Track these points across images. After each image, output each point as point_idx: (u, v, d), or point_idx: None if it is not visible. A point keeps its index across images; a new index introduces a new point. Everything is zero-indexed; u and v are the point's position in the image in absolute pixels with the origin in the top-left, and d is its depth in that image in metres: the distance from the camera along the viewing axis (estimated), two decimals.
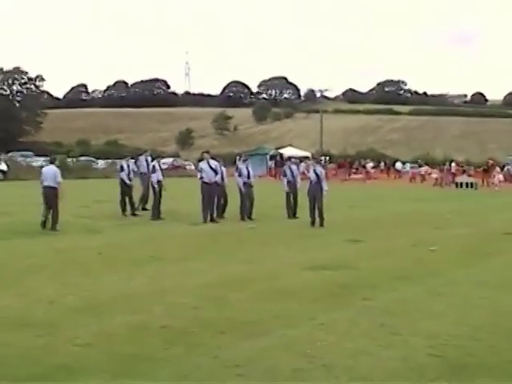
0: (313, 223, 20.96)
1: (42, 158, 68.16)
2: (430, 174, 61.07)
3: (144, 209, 24.93)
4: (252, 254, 14.83)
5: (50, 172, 19.46)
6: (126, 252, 15.04)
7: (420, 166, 64.99)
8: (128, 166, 24.32)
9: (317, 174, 21.18)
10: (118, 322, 8.59)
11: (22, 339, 7.74)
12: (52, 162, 20.31)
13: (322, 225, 20.80)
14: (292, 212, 23.43)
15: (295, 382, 6.53)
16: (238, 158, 24.94)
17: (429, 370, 6.89)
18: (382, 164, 74.40)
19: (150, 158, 25.96)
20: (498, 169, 55.48)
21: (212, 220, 21.63)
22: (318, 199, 20.91)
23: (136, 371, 6.74)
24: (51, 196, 19.08)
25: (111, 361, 7.04)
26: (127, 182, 23.68)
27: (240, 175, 22.87)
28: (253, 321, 8.72)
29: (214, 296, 10.21)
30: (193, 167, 71.31)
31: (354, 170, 69.61)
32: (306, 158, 50.71)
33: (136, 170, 25.17)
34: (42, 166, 21.11)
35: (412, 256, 15.08)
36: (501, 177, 53.77)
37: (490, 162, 57.59)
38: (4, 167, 52.67)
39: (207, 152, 23.29)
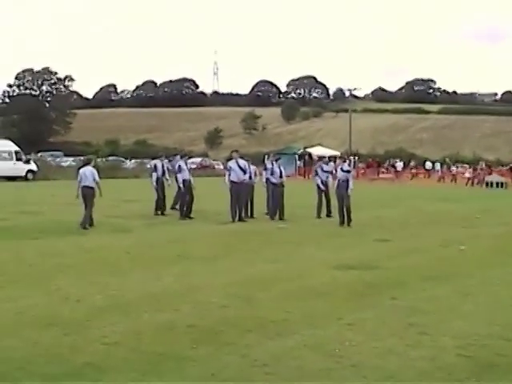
0: (342, 223, 20.88)
1: (71, 158, 68.64)
2: (462, 173, 60.14)
3: (173, 208, 25.00)
4: (280, 254, 14.79)
5: (88, 172, 20.01)
6: (154, 251, 15.06)
7: (450, 166, 64.03)
8: (162, 166, 24.35)
9: (344, 172, 21.11)
10: (145, 320, 8.60)
11: (49, 337, 7.77)
12: (88, 163, 20.76)
13: (349, 224, 20.72)
14: (327, 211, 23.40)
15: (323, 381, 6.49)
16: (266, 157, 24.79)
17: (458, 369, 6.82)
18: (412, 163, 73.71)
19: (186, 158, 26.10)
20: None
21: (240, 219, 21.62)
22: (345, 198, 20.83)
23: (163, 370, 6.73)
24: (89, 195, 19.74)
25: (139, 359, 7.04)
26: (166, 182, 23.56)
27: (272, 174, 22.80)
28: (281, 320, 8.69)
29: (242, 295, 10.19)
30: (221, 167, 71.46)
31: (383, 170, 69.14)
32: (335, 157, 50.44)
33: (171, 168, 25.12)
34: (79, 168, 21.45)
35: (441, 255, 14.98)
36: None
37: None
38: (34, 167, 53.05)
39: (236, 151, 23.29)
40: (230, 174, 21.98)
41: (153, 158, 25.67)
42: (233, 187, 21.80)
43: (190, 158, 24.65)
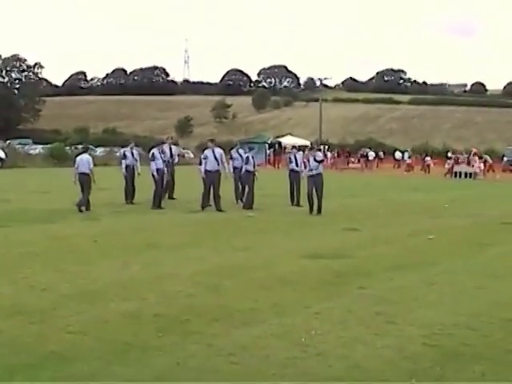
0: (312, 211, 20.93)
1: (40, 146, 68.07)
2: (434, 164, 60.61)
3: (171, 198, 25.09)
4: (249, 242, 14.79)
5: (84, 160, 21.35)
6: (122, 239, 14.99)
7: (425, 157, 63.54)
8: (132, 154, 24.13)
9: (316, 161, 21.13)
10: (111, 309, 8.55)
11: (14, 327, 7.70)
12: (85, 151, 22.33)
13: (319, 212, 20.79)
14: (296, 200, 23.49)
15: (289, 370, 6.49)
16: (236, 145, 24.78)
17: (424, 359, 6.86)
18: (382, 153, 73.83)
19: (174, 147, 26.00)
20: (476, 158, 55.51)
21: (218, 209, 21.46)
22: (318, 186, 20.89)
23: (129, 359, 6.70)
24: (85, 181, 20.97)
25: (104, 348, 7.00)
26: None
27: (247, 163, 22.73)
28: (248, 309, 8.68)
29: (210, 284, 10.18)
30: (192, 155, 71.22)
31: (353, 160, 69.16)
32: (305, 146, 50.40)
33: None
34: (76, 155, 22.18)
35: (409, 245, 15.08)
36: (481, 166, 54.18)
37: (474, 150, 57.41)
38: (2, 155, 52.57)
39: (212, 140, 23.12)
40: (205, 163, 21.87)
41: (122, 146, 25.47)
42: (207, 176, 21.72)
43: (161, 146, 24.20)
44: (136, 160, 23.99)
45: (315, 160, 21.17)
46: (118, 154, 43.90)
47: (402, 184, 40.93)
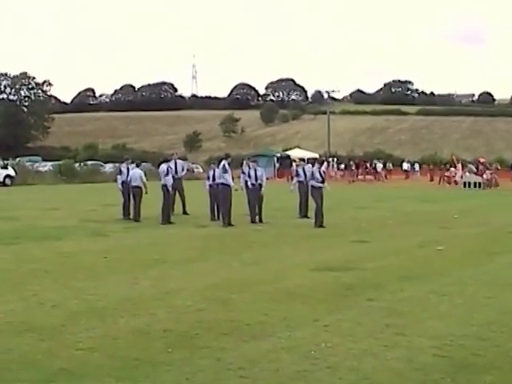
0: (316, 223, 21.01)
1: (50, 163, 68.20)
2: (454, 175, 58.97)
3: (185, 213, 25.20)
4: (258, 256, 14.79)
5: (136, 174, 22.95)
6: (131, 255, 15.00)
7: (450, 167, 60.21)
8: (127, 170, 24.19)
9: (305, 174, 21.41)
10: (121, 325, 8.55)
11: (24, 343, 7.70)
12: (138, 166, 23.81)
13: (322, 224, 20.83)
14: (304, 212, 23.53)
15: (299, 383, 6.46)
16: (244, 160, 24.67)
17: (434, 370, 6.82)
18: (391, 165, 73.14)
19: (180, 161, 26.09)
20: (459, 166, 56.44)
21: (229, 224, 21.46)
22: (321, 200, 21.02)
23: (138, 375, 6.68)
24: (137, 194, 22.70)
25: (114, 365, 6.99)
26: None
27: (250, 176, 22.78)
28: (257, 322, 8.67)
29: (219, 298, 10.17)
30: (201, 170, 71.34)
31: (360, 171, 68.51)
32: (314, 159, 50.36)
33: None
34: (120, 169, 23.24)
35: (418, 256, 15.04)
36: (466, 174, 54.37)
37: (481, 160, 57.47)
38: (12, 172, 52.77)
39: (228, 157, 23.01)
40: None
41: (120, 162, 25.52)
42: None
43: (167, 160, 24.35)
44: (129, 177, 24.05)
45: (320, 174, 21.32)
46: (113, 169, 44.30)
47: (411, 195, 40.82)
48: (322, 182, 21.40)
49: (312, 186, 21.65)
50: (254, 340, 7.89)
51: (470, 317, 9.06)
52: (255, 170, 22.90)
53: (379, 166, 67.67)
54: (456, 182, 53.25)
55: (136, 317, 8.97)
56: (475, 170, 56.52)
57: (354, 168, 66.33)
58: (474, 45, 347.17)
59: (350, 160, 73.02)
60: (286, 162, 69.88)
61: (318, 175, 21.36)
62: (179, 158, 26.61)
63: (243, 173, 23.69)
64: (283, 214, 24.63)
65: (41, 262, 13.75)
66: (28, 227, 20.67)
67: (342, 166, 69.01)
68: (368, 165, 67.24)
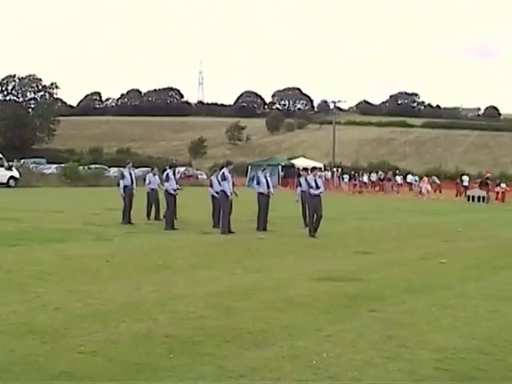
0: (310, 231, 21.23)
1: (54, 166, 68.33)
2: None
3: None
4: (261, 264, 14.78)
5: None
6: (134, 260, 15.00)
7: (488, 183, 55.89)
8: (130, 174, 24.26)
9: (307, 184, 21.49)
10: (123, 329, 8.55)
11: (26, 345, 7.70)
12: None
13: (315, 235, 21.02)
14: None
15: None
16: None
17: (436, 383, 6.82)
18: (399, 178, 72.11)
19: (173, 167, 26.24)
20: (425, 178, 59.20)
21: (230, 231, 21.44)
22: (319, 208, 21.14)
23: (140, 380, 6.67)
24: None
25: (115, 369, 6.99)
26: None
27: (259, 184, 22.86)
28: (259, 331, 8.66)
29: (221, 305, 10.17)
30: (205, 176, 71.39)
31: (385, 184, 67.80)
32: (318, 168, 50.25)
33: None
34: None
35: (421, 268, 15.00)
36: (428, 187, 56.74)
37: (488, 175, 58.18)
38: (16, 174, 52.86)
39: (229, 164, 22.96)
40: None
41: (123, 167, 25.54)
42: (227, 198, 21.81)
43: (175, 167, 24.55)
44: (132, 181, 24.09)
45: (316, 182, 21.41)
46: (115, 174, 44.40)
47: (416, 207, 40.82)
48: (319, 189, 21.43)
49: (308, 194, 21.75)
50: (255, 348, 7.88)
51: (472, 330, 9.05)
52: (266, 178, 22.97)
53: (398, 178, 67.31)
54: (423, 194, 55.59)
55: (138, 322, 8.97)
56: (438, 181, 60.94)
57: (372, 180, 66.39)
58: (481, 59, 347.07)
59: (354, 170, 72.98)
60: (290, 170, 70.00)
61: (313, 183, 21.43)
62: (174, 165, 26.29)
63: (300, 185, 23.74)
64: (287, 223, 24.67)
65: (44, 265, 13.76)
66: (32, 229, 20.69)
67: (347, 177, 68.85)
68: (392, 177, 67.04)
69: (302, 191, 23.94)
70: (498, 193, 53.60)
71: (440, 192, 59.01)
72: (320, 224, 21.24)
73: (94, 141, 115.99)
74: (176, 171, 26.18)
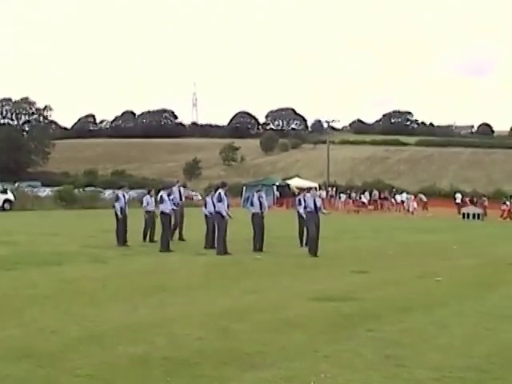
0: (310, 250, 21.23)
1: (49, 189, 68.25)
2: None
3: (181, 239, 25.60)
4: (257, 285, 14.75)
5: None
6: (130, 282, 14.97)
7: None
8: (124, 196, 24.38)
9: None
10: (120, 352, 8.51)
11: (22, 370, 7.66)
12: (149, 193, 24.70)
13: (316, 254, 20.99)
14: (305, 242, 23.45)
15: None
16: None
17: None
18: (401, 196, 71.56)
19: (182, 189, 26.36)
20: (411, 196, 61.64)
21: (226, 252, 21.36)
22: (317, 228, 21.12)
23: None
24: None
25: None
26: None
27: (252, 205, 22.86)
28: (256, 352, 8.62)
29: (218, 326, 10.13)
30: (200, 197, 71.29)
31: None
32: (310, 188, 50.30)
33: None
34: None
35: (417, 287, 15.00)
36: (414, 204, 58.77)
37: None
38: (11, 197, 52.81)
39: (224, 186, 22.94)
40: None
41: (118, 188, 25.57)
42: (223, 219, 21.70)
43: (170, 189, 24.64)
44: (126, 203, 24.15)
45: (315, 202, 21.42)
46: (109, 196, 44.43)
47: (412, 225, 40.84)
48: (316, 209, 21.47)
49: (307, 213, 21.75)
50: (253, 370, 7.85)
51: (469, 349, 9.03)
52: (259, 199, 22.93)
53: (400, 197, 67.23)
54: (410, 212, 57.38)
55: (135, 344, 8.93)
56: (425, 199, 63.37)
57: (374, 199, 66.53)
58: (474, 77, 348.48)
59: (349, 189, 72.97)
60: (285, 190, 70.09)
61: (310, 203, 21.45)
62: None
63: (300, 204, 23.68)
64: (283, 243, 24.63)
65: (40, 288, 13.72)
66: (27, 252, 20.64)
67: (343, 196, 68.89)
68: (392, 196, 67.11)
69: (298, 212, 23.94)
70: (503, 211, 53.41)
71: (427, 209, 60.19)
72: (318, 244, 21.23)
73: (89, 163, 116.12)
74: (182, 191, 26.49)
